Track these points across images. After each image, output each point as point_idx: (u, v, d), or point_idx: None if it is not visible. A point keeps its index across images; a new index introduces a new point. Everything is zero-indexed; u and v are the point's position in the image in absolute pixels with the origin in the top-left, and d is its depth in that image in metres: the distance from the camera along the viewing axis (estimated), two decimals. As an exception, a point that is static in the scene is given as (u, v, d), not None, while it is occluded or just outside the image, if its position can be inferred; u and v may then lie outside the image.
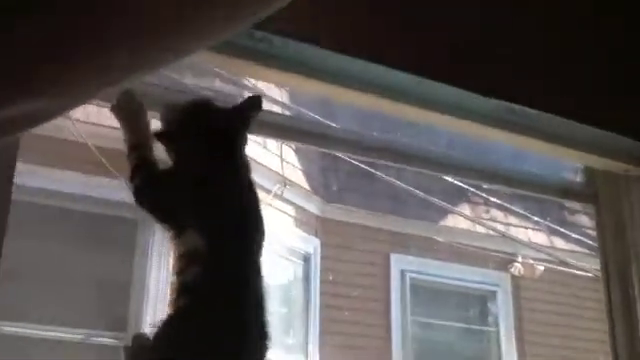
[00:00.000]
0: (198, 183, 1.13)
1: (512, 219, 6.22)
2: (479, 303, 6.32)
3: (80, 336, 4.17)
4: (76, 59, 0.76)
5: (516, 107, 1.61)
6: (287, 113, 4.96)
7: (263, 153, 4.75)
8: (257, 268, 1.13)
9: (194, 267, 1.08)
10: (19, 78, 0.73)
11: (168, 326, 1.07)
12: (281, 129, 1.55)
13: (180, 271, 1.09)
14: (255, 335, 1.09)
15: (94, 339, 4.20)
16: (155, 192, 1.16)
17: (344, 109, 4.58)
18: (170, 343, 1.07)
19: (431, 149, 1.69)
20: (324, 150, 1.67)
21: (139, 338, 1.16)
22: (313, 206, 5.53)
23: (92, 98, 0.83)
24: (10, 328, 3.88)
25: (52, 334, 4.06)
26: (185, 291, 1.08)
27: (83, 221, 4.29)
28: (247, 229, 1.14)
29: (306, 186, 5.42)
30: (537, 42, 1.69)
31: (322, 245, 5.52)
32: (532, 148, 1.81)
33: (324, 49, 1.41)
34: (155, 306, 4.24)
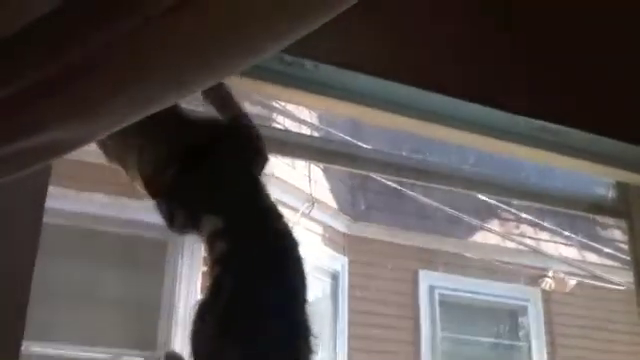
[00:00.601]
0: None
1: (543, 234, 6.15)
2: (510, 318, 6.25)
3: (109, 355, 4.21)
4: (109, 91, 0.77)
5: (547, 125, 1.59)
6: (316, 134, 4.98)
7: (291, 172, 4.77)
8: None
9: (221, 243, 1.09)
10: (56, 106, 0.75)
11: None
12: (312, 150, 1.56)
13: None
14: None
15: (124, 358, 4.24)
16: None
17: (373, 129, 4.58)
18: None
19: (460, 167, 1.68)
20: (355, 171, 1.66)
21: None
22: (341, 224, 5.53)
23: (121, 126, 0.84)
24: (40, 348, 3.92)
25: (82, 354, 4.09)
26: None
27: (112, 242, 4.33)
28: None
29: (334, 204, 5.42)
30: (568, 59, 1.68)
31: (350, 262, 5.50)
32: (564, 165, 1.79)
33: (354, 71, 1.41)
34: (184, 326, 4.26)
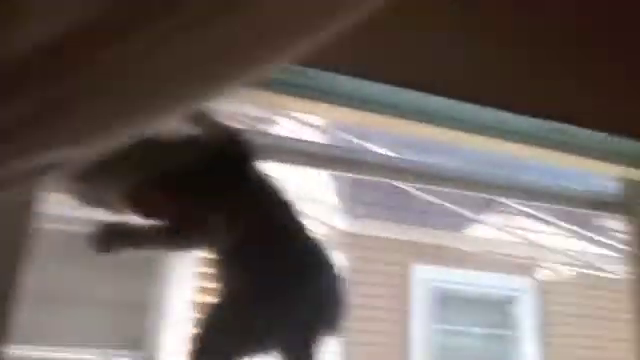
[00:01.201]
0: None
1: (537, 225, 6.14)
2: (503, 309, 6.25)
3: (99, 357, 4.18)
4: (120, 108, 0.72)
5: (554, 124, 1.55)
6: (322, 136, 4.95)
7: (295, 171, 4.71)
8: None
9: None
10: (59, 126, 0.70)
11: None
12: (313, 157, 1.50)
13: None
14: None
15: (113, 359, 4.21)
16: None
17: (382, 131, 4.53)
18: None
19: (464, 169, 1.62)
20: (359, 176, 1.62)
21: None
22: (343, 222, 5.51)
23: (123, 143, 0.80)
24: (29, 351, 3.88)
25: (71, 356, 4.06)
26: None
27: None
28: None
29: (337, 201, 5.41)
30: (574, 56, 1.63)
31: (345, 257, 5.48)
32: (568, 164, 1.75)
33: (357, 78, 1.36)
34: (173, 325, 4.25)
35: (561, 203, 1.91)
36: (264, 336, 1.14)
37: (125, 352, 4.25)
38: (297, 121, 4.62)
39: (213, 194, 1.17)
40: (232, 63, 0.73)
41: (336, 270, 1.22)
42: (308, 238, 1.23)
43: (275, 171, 1.29)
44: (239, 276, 1.18)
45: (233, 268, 1.19)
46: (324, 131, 5.05)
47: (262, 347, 1.15)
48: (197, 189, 1.17)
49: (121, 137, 0.78)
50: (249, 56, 0.73)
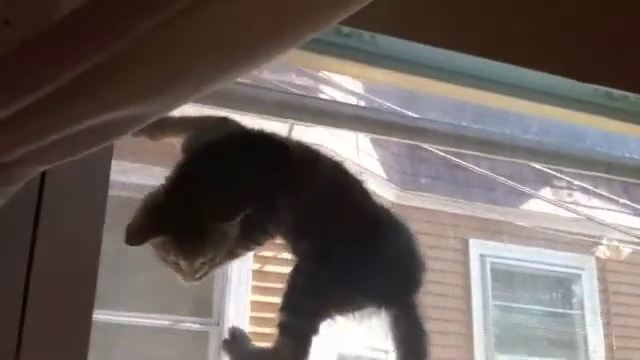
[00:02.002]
0: None
1: (596, 202, 6.02)
2: (563, 286, 6.17)
3: (168, 322, 4.33)
4: (186, 66, 0.78)
5: (613, 91, 1.55)
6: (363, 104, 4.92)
7: (338, 143, 4.75)
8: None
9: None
10: (141, 83, 0.77)
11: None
12: (369, 123, 1.55)
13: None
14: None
15: (181, 325, 4.35)
16: None
17: (424, 100, 4.50)
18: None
19: (524, 137, 1.65)
20: (414, 143, 1.65)
21: (236, 331, 1.20)
22: (389, 193, 5.49)
23: (185, 103, 0.86)
24: (102, 316, 4.04)
25: (141, 321, 4.20)
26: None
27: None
28: None
29: (382, 174, 5.38)
30: (634, 24, 1.62)
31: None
32: (629, 131, 1.74)
33: (413, 41, 1.39)
34: (237, 294, 4.35)
35: (625, 174, 1.90)
36: (349, 293, 1.16)
37: (193, 318, 4.36)
38: (341, 90, 4.63)
39: (264, 189, 1.16)
40: (284, 27, 0.77)
41: (409, 228, 1.25)
42: (373, 200, 1.27)
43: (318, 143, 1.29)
44: (312, 237, 1.18)
45: (304, 233, 1.19)
46: (365, 99, 5.02)
47: (351, 304, 1.17)
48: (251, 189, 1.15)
49: (183, 95, 0.83)
50: (300, 20, 0.77)
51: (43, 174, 1.07)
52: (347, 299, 1.18)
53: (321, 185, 1.21)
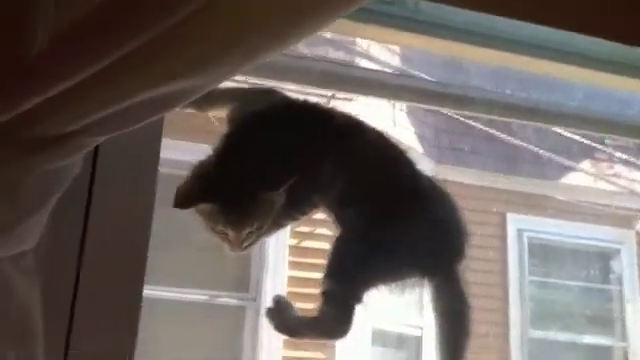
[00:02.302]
0: None
1: (638, 174, 5.90)
2: (601, 261, 6.08)
3: (206, 297, 4.40)
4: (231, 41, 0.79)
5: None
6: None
7: (373, 115, 4.72)
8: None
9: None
10: (194, 57, 0.78)
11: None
12: (412, 92, 1.54)
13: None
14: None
15: (218, 300, 4.42)
16: None
17: (461, 71, 4.43)
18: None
19: (569, 104, 1.62)
20: (460, 112, 1.63)
21: (279, 298, 1.22)
22: (426, 167, 5.46)
23: (233, 75, 0.88)
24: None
25: (180, 295, 4.29)
26: None
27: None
28: None
29: (418, 147, 5.36)
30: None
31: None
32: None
33: (456, 7, 1.38)
34: (274, 269, 4.39)
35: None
36: (394, 261, 1.16)
37: (230, 293, 4.43)
38: (378, 63, 4.60)
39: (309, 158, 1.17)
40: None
41: (453, 197, 1.25)
42: (417, 169, 1.27)
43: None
44: (358, 206, 1.18)
45: (349, 201, 1.19)
46: (401, 71, 4.97)
47: (394, 273, 1.18)
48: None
49: (232, 67, 0.84)
50: None
51: (96, 149, 1.08)
52: (391, 267, 1.18)
53: (366, 154, 1.21)
